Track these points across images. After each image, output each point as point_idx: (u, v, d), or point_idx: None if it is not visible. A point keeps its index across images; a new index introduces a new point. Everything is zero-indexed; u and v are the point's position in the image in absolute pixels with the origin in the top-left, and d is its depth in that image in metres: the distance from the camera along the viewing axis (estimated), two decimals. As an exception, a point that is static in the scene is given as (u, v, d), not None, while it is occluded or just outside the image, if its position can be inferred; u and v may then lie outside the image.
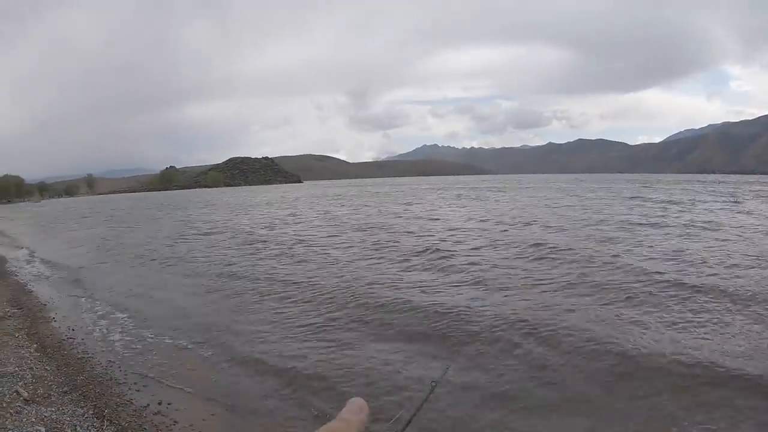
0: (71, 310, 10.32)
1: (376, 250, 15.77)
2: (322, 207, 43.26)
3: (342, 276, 12.12)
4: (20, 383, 6.36)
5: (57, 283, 13.11)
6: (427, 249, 14.88)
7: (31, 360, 7.15)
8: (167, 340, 8.41)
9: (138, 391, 6.58)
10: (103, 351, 7.89)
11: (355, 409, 0.57)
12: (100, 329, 9.10)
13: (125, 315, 9.99)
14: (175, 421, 5.98)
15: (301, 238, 20.18)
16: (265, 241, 19.64)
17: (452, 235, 18.33)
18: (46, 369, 6.87)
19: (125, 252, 18.93)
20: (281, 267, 13.93)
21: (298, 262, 14.57)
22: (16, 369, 6.77)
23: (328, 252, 15.91)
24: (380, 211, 34.72)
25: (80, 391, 6.32)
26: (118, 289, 12.21)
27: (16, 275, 13.80)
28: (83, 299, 11.44)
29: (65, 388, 6.36)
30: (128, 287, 12.47)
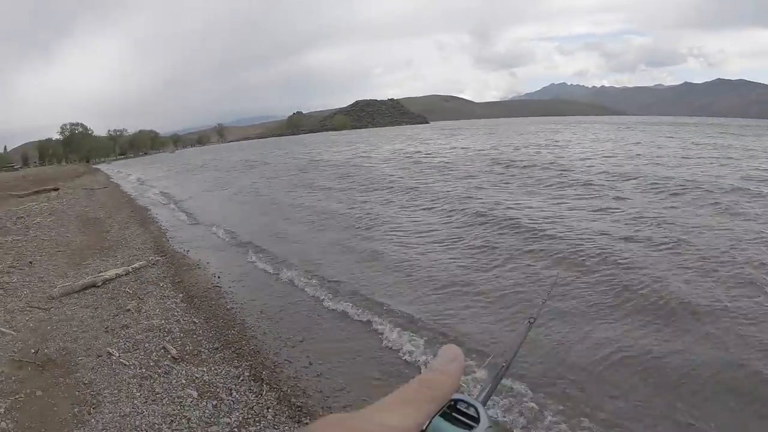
0: (213, 256, 9.64)
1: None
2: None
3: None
4: (167, 338, 5.36)
5: (198, 229, 12.86)
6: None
7: (178, 312, 6.22)
8: (309, 290, 7.17)
9: (293, 347, 5.27)
10: (252, 300, 6.81)
11: (450, 356, 0.51)
12: (245, 276, 8.15)
13: (267, 259, 9.05)
14: (343, 387, 4.59)
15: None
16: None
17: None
18: (194, 322, 5.85)
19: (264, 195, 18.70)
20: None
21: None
22: (163, 322, 5.83)
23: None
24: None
25: (233, 348, 5.14)
26: (260, 233, 11.48)
27: (158, 221, 13.87)
28: (226, 244, 10.85)
29: (216, 344, 5.23)
30: (270, 231, 11.74)
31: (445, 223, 10.96)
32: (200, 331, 5.59)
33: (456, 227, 10.51)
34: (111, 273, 7.86)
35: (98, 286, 7.44)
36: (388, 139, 64.39)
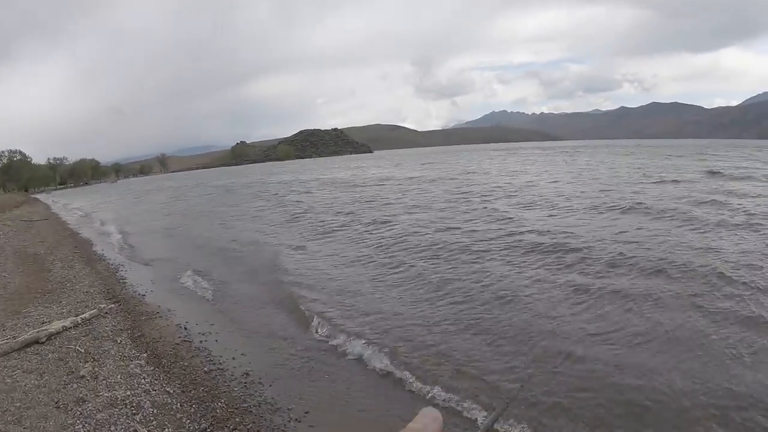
0: (175, 300, 8.56)
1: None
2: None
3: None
4: (138, 416, 4.40)
5: (151, 267, 11.60)
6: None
7: (145, 378, 5.23)
8: (295, 334, 6.37)
9: (299, 421, 4.47)
10: (232, 359, 5.91)
11: (429, 420, 0.53)
12: (215, 325, 7.19)
13: (235, 301, 8.17)
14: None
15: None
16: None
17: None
18: (168, 392, 4.90)
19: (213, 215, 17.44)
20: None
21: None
22: (128, 393, 4.84)
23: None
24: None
25: (226, 429, 4.25)
26: (219, 268, 10.48)
27: (105, 259, 12.43)
28: (184, 281, 9.77)
29: (203, 424, 4.32)
30: (231, 264, 10.75)
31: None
32: (178, 405, 4.64)
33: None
34: (57, 326, 6.68)
35: (42, 343, 6.27)
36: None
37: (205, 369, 5.56)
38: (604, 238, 10.81)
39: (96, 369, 5.45)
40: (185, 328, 7.05)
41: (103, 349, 6.13)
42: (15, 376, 5.24)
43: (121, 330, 6.87)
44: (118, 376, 5.26)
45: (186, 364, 5.71)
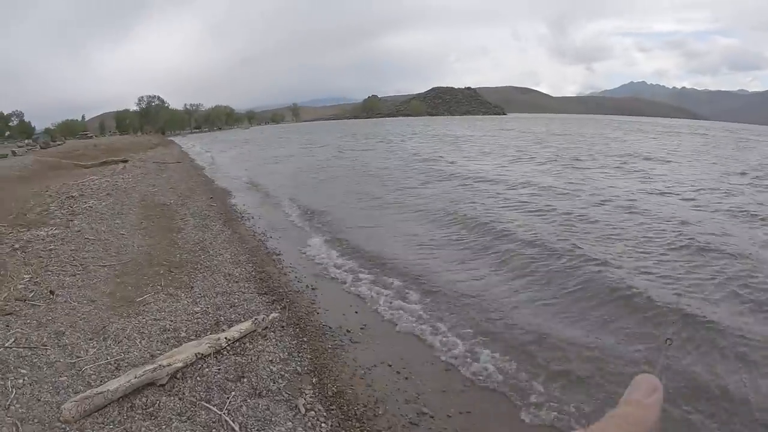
0: (357, 306, 5.46)
1: None
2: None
3: None
4: None
5: (313, 233, 8.91)
6: None
7: None
8: None
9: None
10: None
11: (647, 388, 0.45)
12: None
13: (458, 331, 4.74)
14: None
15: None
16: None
17: None
18: None
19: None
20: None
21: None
22: None
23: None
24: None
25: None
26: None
27: (247, 218, 10.06)
28: (364, 276, 6.66)
29: None
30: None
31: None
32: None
33: None
34: (188, 353, 3.73)
35: (163, 385, 3.36)
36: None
37: None
38: None
39: None
40: (404, 377, 3.77)
41: (271, 417, 3.01)
42: None
43: (299, 374, 3.73)
44: None
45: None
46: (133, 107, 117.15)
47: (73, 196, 11.57)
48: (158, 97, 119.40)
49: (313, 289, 5.84)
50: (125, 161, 22.61)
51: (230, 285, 5.54)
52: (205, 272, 5.98)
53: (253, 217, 10.04)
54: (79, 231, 7.79)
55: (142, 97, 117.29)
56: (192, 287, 5.40)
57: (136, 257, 6.60)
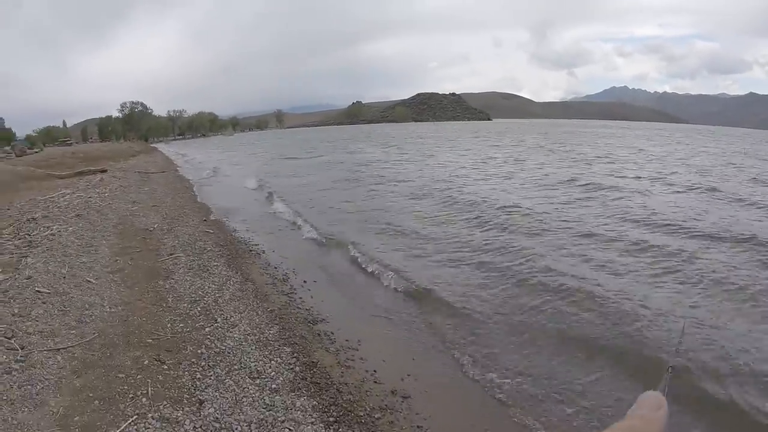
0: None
1: None
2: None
3: None
4: None
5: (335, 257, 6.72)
6: None
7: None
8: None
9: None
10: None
11: (652, 404, 0.47)
12: None
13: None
14: None
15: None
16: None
17: None
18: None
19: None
20: None
21: None
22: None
23: None
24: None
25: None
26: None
27: (259, 251, 7.81)
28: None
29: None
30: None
31: None
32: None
33: None
34: None
35: None
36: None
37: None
38: None
39: None
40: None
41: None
42: None
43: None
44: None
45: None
46: (116, 114, 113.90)
47: (35, 218, 9.27)
48: (141, 104, 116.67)
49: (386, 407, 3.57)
50: (104, 171, 20.14)
51: (264, 396, 3.34)
52: (216, 364, 3.78)
53: (264, 252, 7.80)
54: (29, 278, 5.53)
55: (125, 103, 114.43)
56: (201, 402, 3.21)
57: (107, 328, 4.40)
